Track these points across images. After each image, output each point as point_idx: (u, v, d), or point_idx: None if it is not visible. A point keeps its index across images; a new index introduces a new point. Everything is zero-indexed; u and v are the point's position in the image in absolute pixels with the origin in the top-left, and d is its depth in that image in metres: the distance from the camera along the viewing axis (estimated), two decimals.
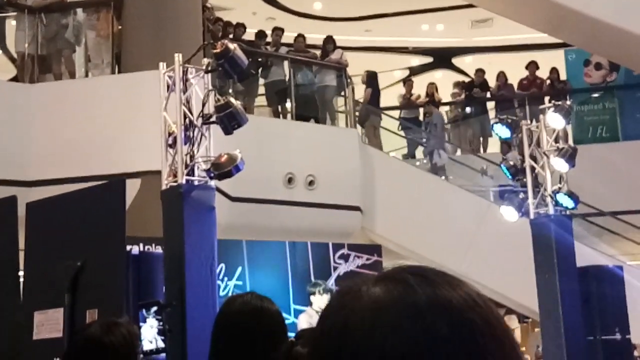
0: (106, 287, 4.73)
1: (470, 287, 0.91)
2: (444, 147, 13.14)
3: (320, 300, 7.81)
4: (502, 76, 14.06)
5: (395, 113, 14.27)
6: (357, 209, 11.23)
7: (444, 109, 14.35)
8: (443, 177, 12.82)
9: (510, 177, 7.91)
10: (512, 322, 17.20)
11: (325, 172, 10.86)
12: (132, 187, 8.45)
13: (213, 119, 5.66)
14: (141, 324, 4.84)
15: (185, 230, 5.36)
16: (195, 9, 9.65)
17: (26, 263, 5.38)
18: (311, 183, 10.74)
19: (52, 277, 4.73)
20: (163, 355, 4.96)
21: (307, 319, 7.46)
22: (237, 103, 5.69)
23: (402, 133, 14.06)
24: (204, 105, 5.70)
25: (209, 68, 5.75)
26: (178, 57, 5.79)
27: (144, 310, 4.96)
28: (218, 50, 5.63)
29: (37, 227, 5.45)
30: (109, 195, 5.22)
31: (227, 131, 5.65)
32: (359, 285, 0.90)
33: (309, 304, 7.97)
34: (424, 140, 14.00)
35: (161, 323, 4.79)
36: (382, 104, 14.39)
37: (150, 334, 4.88)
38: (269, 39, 11.94)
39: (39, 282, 5.16)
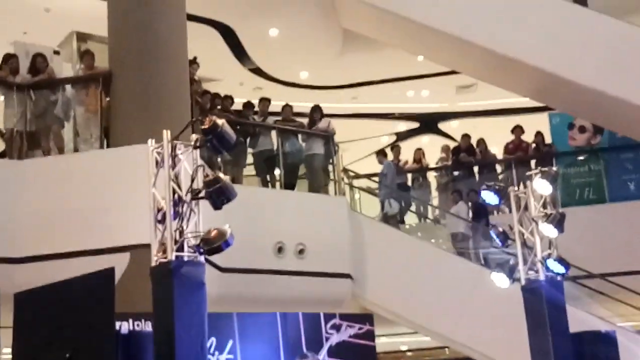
0: None
1: None
2: (394, 196, 13.17)
3: None
4: (482, 143, 14.18)
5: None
6: (347, 276, 11.20)
7: (432, 174, 14.44)
8: (433, 240, 12.84)
9: (500, 243, 7.92)
10: None
11: (315, 240, 10.85)
12: (122, 262, 8.43)
13: (202, 194, 5.67)
14: None
15: (175, 308, 5.32)
16: (183, 83, 9.77)
17: (14, 353, 5.30)
18: (301, 252, 10.72)
19: None
20: None
21: None
22: (225, 178, 5.71)
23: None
24: (192, 180, 5.72)
25: (198, 144, 5.78)
26: (167, 134, 5.83)
27: None
28: (206, 126, 5.68)
29: (25, 317, 5.40)
30: (97, 285, 5.19)
31: (216, 206, 5.65)
32: None
33: None
34: (413, 204, 14.05)
35: None
36: (370, 170, 14.48)
37: None
38: (256, 109, 12.06)
39: None
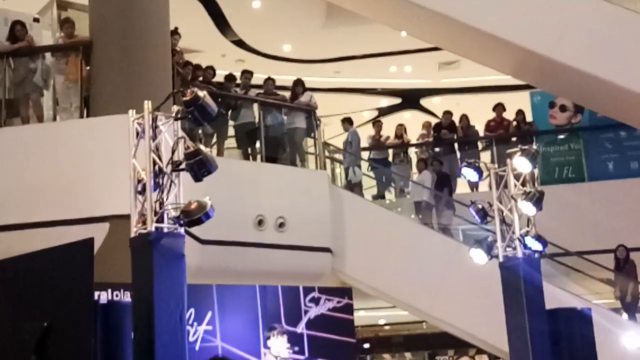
0: (73, 349, 4.67)
1: None
2: (359, 164, 13.24)
3: (277, 343, 7.81)
4: (464, 119, 14.23)
5: (365, 154, 14.37)
6: (327, 250, 11.25)
7: (413, 150, 14.47)
8: (413, 216, 12.90)
9: (479, 220, 7.97)
10: None
11: (295, 213, 10.87)
12: (101, 232, 8.40)
13: (182, 166, 5.65)
14: None
15: (154, 279, 5.32)
16: (165, 53, 9.69)
17: None
18: (281, 225, 10.74)
19: (18, 338, 4.66)
20: None
21: None
22: (206, 150, 5.69)
23: (371, 174, 14.15)
24: (173, 152, 5.70)
25: (179, 115, 5.75)
26: (147, 105, 5.79)
27: None
28: (187, 98, 5.65)
29: (2, 287, 5.38)
30: (76, 255, 5.17)
31: (197, 178, 5.64)
32: None
33: (267, 347, 7.99)
34: (393, 179, 14.12)
35: None
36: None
37: None
38: (238, 81, 12.00)
39: (4, 343, 5.07)
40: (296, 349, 8.67)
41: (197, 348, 8.29)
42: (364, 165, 13.99)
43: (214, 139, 11.14)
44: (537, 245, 7.58)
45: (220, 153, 10.92)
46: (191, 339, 8.17)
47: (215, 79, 11.84)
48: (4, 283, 5.49)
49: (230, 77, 11.88)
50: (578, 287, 11.87)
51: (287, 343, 7.97)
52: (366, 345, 17.60)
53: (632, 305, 11.68)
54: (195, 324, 8.46)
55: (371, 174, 14.14)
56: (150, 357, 5.17)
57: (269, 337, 7.92)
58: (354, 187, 12.89)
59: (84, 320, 4.90)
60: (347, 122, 13.79)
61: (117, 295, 7.65)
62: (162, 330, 5.22)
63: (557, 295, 9.82)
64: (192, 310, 8.22)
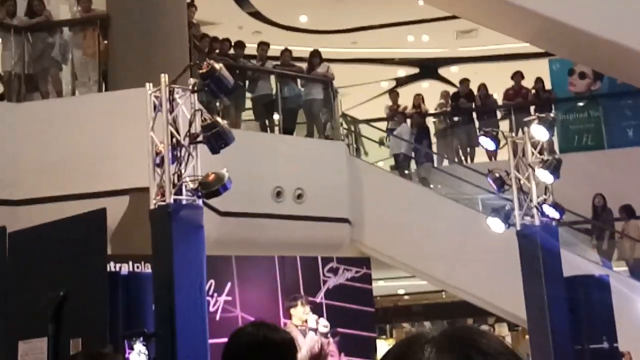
0: (89, 317, 4.76)
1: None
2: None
3: (301, 311, 7.80)
4: (482, 88, 14.16)
5: (382, 124, 14.35)
6: (345, 221, 11.30)
7: (431, 120, 14.44)
8: (431, 186, 12.92)
9: (496, 189, 7.98)
10: (503, 329, 17.33)
11: (313, 185, 10.92)
12: (121, 205, 8.50)
13: (200, 138, 5.70)
14: (128, 351, 4.84)
15: (174, 250, 5.39)
16: (181, 26, 9.71)
17: (10, 292, 5.39)
18: (299, 196, 10.79)
19: (35, 307, 4.76)
20: None
21: None
22: (223, 122, 5.74)
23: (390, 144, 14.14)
24: (190, 124, 5.75)
25: (195, 88, 5.79)
26: (164, 78, 5.83)
27: (132, 339, 4.96)
28: (204, 71, 5.68)
29: (19, 257, 5.47)
30: (90, 225, 5.25)
31: (214, 150, 5.69)
32: (417, 344, 0.99)
33: (289, 317, 8.00)
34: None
35: (147, 352, 4.78)
36: (369, 115, 14.46)
37: None
38: (252, 52, 11.99)
39: (22, 312, 5.17)
40: (326, 324, 8.54)
41: (217, 318, 8.39)
42: (382, 135, 13.98)
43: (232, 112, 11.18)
44: (554, 213, 7.58)
45: (237, 125, 10.95)
46: (211, 309, 8.26)
47: (232, 52, 11.84)
48: (21, 253, 5.59)
49: (239, 45, 11.81)
50: (597, 254, 11.85)
51: (313, 315, 7.90)
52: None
53: (606, 254, 11.79)
54: (215, 294, 8.56)
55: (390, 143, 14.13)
56: (172, 327, 5.26)
57: (294, 306, 7.85)
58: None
59: (99, 288, 4.99)
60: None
61: (138, 267, 7.75)
62: (182, 300, 5.30)
63: (575, 262, 9.83)
64: (212, 281, 8.31)
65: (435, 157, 13.97)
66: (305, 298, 8.06)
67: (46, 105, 9.52)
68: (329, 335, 7.63)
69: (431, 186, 12.93)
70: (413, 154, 13.28)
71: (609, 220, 11.98)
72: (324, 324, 7.75)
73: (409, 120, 13.51)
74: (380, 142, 13.94)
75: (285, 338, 2.36)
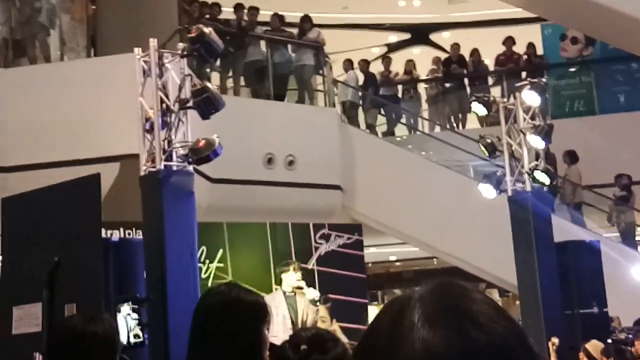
0: (84, 282, 4.75)
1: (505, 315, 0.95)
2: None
3: (292, 278, 7.68)
4: (476, 53, 14.09)
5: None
6: (337, 187, 11.28)
7: (422, 86, 14.38)
8: (423, 153, 12.91)
9: (487, 154, 7.97)
10: (493, 295, 17.43)
11: (305, 151, 10.87)
12: (111, 171, 8.44)
13: (190, 104, 5.65)
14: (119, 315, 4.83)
15: (165, 216, 5.38)
16: None
17: (3, 258, 5.37)
18: (291, 163, 10.75)
19: (29, 272, 4.74)
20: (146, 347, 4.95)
21: (269, 301, 7.39)
22: (213, 87, 5.69)
23: (381, 110, 14.10)
24: (180, 90, 5.69)
25: (184, 53, 5.73)
26: (153, 43, 5.76)
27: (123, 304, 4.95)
28: (193, 35, 5.61)
29: (13, 222, 5.44)
30: (84, 190, 5.22)
31: (204, 116, 5.65)
32: (407, 317, 0.92)
33: (279, 282, 7.89)
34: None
35: (137, 316, 4.77)
36: (360, 81, 14.39)
37: (127, 326, 4.85)
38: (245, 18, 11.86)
39: (16, 277, 5.16)
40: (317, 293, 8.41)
41: (209, 285, 8.41)
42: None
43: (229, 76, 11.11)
44: (545, 179, 7.59)
45: (237, 92, 10.91)
46: (203, 276, 8.27)
47: (222, 16, 11.72)
48: (14, 219, 5.56)
49: (238, 6, 11.68)
50: (588, 220, 11.89)
51: (303, 280, 7.80)
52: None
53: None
54: (207, 261, 8.56)
55: (381, 110, 14.09)
56: (163, 293, 5.25)
57: (285, 271, 7.75)
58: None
59: (94, 253, 4.97)
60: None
61: (129, 234, 7.73)
62: (173, 266, 5.30)
63: (566, 228, 9.86)
64: (203, 248, 8.30)
65: (427, 123, 13.97)
66: (298, 264, 8.02)
67: (34, 71, 9.41)
68: (318, 304, 7.61)
69: (422, 153, 12.91)
70: (360, 102, 13.48)
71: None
72: (314, 293, 7.72)
73: (357, 69, 13.74)
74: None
75: (258, 300, 2.35)
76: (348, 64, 13.52)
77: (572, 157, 11.72)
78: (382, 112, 13.69)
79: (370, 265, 14.38)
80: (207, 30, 5.61)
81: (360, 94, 13.48)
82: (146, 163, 5.72)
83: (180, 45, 5.82)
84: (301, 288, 7.59)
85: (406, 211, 11.38)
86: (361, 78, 13.77)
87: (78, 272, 4.73)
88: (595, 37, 13.40)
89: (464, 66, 14.06)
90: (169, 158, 5.62)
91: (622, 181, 11.90)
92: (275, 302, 7.44)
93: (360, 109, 13.39)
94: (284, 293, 7.59)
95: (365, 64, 13.90)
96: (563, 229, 9.38)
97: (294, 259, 8.89)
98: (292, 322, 7.52)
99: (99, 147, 8.57)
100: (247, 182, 10.35)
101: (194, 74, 6.79)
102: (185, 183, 5.57)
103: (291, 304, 7.54)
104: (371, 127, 12.94)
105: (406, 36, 19.19)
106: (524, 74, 13.19)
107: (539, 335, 7.42)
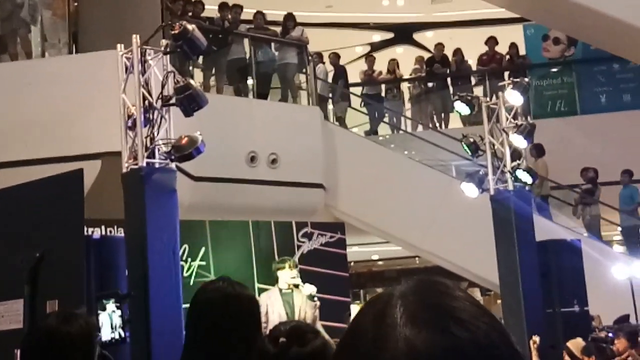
0: (66, 278, 4.72)
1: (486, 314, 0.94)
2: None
3: (288, 275, 7.56)
4: (458, 53, 14.14)
5: (357, 89, 14.29)
6: (320, 186, 11.28)
7: (406, 85, 14.40)
8: (406, 152, 12.93)
9: (470, 154, 7.99)
10: (475, 294, 17.50)
11: (287, 150, 10.86)
12: (93, 169, 8.38)
13: (172, 100, 5.62)
14: (100, 312, 4.80)
15: (147, 214, 5.35)
16: None
17: None
18: (274, 161, 10.74)
19: (11, 268, 4.70)
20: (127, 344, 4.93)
21: (265, 299, 7.34)
22: (196, 84, 5.66)
23: (364, 109, 14.12)
24: (163, 87, 5.66)
25: (167, 49, 5.70)
26: (136, 39, 5.73)
27: (103, 300, 4.92)
28: (176, 32, 5.59)
29: None
30: (66, 186, 5.18)
31: (187, 113, 5.62)
32: (389, 316, 0.91)
33: (275, 280, 7.80)
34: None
35: (121, 313, 4.75)
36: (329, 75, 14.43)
37: (111, 323, 4.83)
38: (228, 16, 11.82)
39: None
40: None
41: (191, 283, 8.37)
42: (357, 100, 13.94)
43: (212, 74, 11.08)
44: (527, 178, 7.62)
45: (220, 90, 10.88)
46: (185, 274, 8.24)
47: (204, 14, 11.67)
48: None
49: (222, 5, 11.65)
50: (569, 220, 11.97)
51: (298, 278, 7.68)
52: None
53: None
54: (189, 259, 8.52)
55: (364, 109, 14.11)
56: (145, 291, 5.22)
57: (281, 268, 7.58)
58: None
59: (76, 249, 4.94)
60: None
61: (110, 232, 7.68)
62: (155, 264, 5.27)
63: (548, 228, 9.92)
64: (185, 246, 8.26)
65: (410, 122, 14.00)
66: (294, 262, 7.88)
67: (15, 67, 9.32)
68: (315, 299, 7.56)
69: (405, 152, 12.94)
70: (330, 95, 13.57)
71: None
72: (311, 289, 7.65)
73: (327, 62, 13.87)
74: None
75: (254, 295, 2.38)
76: (317, 58, 13.49)
77: (538, 150, 11.75)
78: (352, 105, 13.76)
79: (352, 264, 14.39)
80: (191, 27, 5.59)
81: (329, 87, 13.55)
82: (128, 160, 5.68)
83: (163, 42, 5.80)
84: (297, 285, 7.54)
85: (389, 210, 11.40)
86: (331, 72, 13.81)
87: (60, 268, 4.70)
88: (577, 37, 13.48)
89: (446, 66, 14.11)
90: (151, 155, 5.59)
91: (588, 174, 11.99)
92: (271, 299, 7.40)
93: (329, 102, 13.41)
94: (280, 290, 7.49)
95: (335, 57, 13.96)
96: (544, 227, 9.44)
97: (276, 257, 8.86)
98: (289, 319, 7.44)
99: (80, 144, 8.50)
100: (229, 180, 10.32)
101: (177, 71, 6.75)
102: (167, 180, 5.54)
103: (287, 301, 7.46)
104: (341, 120, 13.02)
105: (390, 35, 19.22)
106: (506, 74, 13.26)
107: (521, 334, 7.45)
